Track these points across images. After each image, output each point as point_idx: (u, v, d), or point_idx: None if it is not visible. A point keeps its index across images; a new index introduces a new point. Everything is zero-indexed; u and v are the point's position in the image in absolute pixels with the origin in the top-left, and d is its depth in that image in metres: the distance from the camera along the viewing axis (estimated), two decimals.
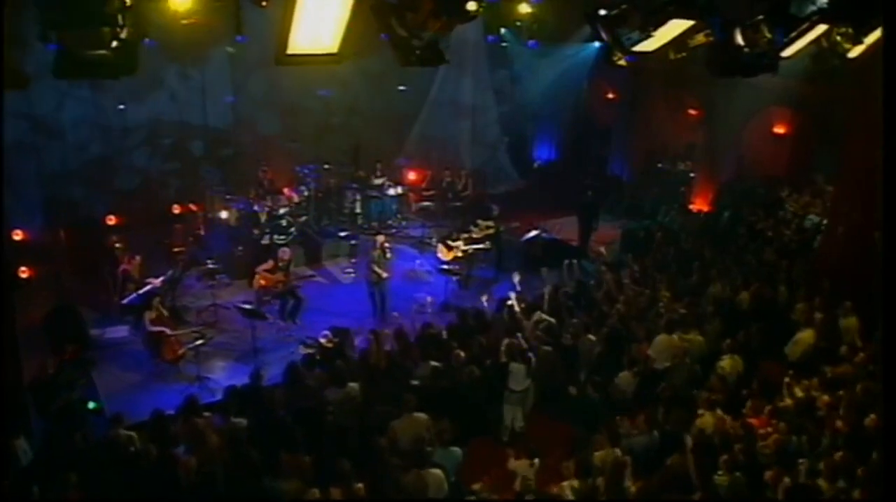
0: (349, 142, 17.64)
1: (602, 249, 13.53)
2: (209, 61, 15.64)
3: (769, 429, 8.04)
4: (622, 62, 7.62)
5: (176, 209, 15.84)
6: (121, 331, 11.63)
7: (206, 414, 8.56)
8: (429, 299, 12.91)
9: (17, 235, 14.16)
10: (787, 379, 9.13)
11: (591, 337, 10.19)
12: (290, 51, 5.26)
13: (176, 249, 14.20)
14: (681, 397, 9.16)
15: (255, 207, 14.37)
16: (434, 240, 15.28)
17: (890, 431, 5.22)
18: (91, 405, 9.65)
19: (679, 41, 7.94)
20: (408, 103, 17.98)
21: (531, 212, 16.76)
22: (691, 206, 17.41)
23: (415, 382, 9.21)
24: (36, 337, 11.50)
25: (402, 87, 17.48)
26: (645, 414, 8.64)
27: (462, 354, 9.41)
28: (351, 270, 14.24)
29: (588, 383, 9.14)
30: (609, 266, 12.67)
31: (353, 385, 8.79)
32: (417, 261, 14.43)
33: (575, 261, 12.50)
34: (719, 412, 8.27)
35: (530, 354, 9.42)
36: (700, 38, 7.90)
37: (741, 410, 8.54)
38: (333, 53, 5.55)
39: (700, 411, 8.44)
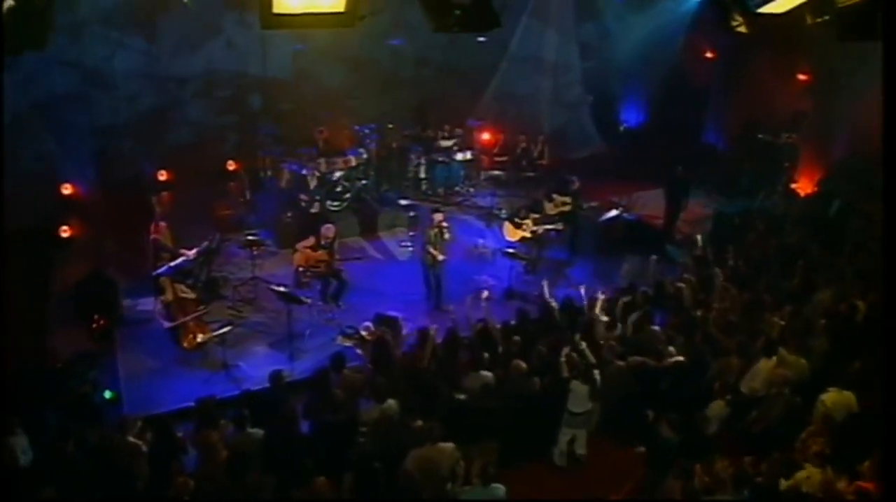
0: (416, 98, 16.27)
1: (697, 237, 11.73)
2: None
3: None
4: (743, 28, 5.99)
5: (231, 166, 14.93)
6: (153, 304, 10.76)
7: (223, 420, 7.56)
8: (490, 284, 11.61)
9: (67, 189, 13.58)
10: None
11: (672, 349, 8.67)
12: (277, 9, 3.90)
13: (224, 212, 13.38)
14: (775, 436, 7.65)
15: (304, 171, 13.18)
16: (503, 211, 13.89)
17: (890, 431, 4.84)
18: (107, 394, 8.86)
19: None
20: (485, 56, 16.32)
21: (613, 182, 15.18)
22: (795, 186, 15.36)
23: (461, 396, 7.98)
24: (68, 304, 10.93)
25: (480, 38, 15.84)
26: (731, 459, 7.14)
27: (522, 365, 8.08)
28: (409, 244, 13.01)
29: (663, 421, 7.62)
30: (698, 260, 10.95)
31: (392, 402, 7.59)
32: (481, 241, 13.02)
33: (656, 257, 10.81)
34: (827, 471, 6.68)
35: (596, 372, 8.02)
36: None
37: (855, 466, 6.86)
38: (338, 13, 4.16)
39: (800, 461, 6.91)
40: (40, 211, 12.70)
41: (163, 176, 14.49)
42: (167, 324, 9.79)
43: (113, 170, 13.94)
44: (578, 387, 7.97)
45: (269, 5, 3.99)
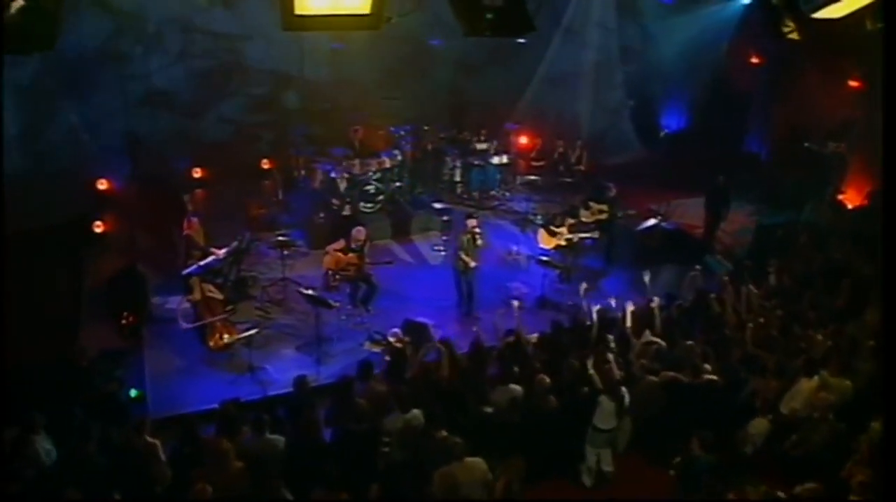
0: (454, 100, 16.07)
1: (737, 250, 11.33)
2: None
3: None
4: (794, 35, 5.66)
5: (265, 164, 14.90)
6: (184, 302, 10.66)
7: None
8: (523, 292, 11.41)
9: (102, 184, 13.65)
10: None
11: (707, 366, 8.33)
12: (299, 10, 3.72)
13: (257, 211, 13.33)
14: (817, 460, 7.29)
15: (333, 173, 12.99)
16: (539, 217, 13.63)
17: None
18: (132, 393, 8.79)
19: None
20: (524, 58, 16.00)
21: (652, 189, 14.80)
22: (842, 198, 14.81)
23: (488, 410, 7.75)
24: (99, 300, 10.94)
25: (520, 40, 15.57)
26: (767, 483, 6.80)
27: (547, 380, 7.81)
28: (441, 248, 12.79)
29: (694, 438, 7.29)
30: (738, 274, 10.55)
31: (417, 412, 7.40)
32: (514, 248, 12.74)
33: (696, 272, 10.42)
34: None
35: (624, 389, 7.72)
36: None
37: None
38: (363, 14, 3.97)
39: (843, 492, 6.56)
40: (75, 206, 12.77)
41: (197, 173, 14.54)
42: (185, 326, 9.68)
43: (147, 167, 13.98)
44: (606, 403, 7.68)
45: (291, 6, 3.82)
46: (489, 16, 4.24)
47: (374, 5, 4.00)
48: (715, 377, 8.10)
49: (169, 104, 14.45)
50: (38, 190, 13.05)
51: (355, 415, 7.43)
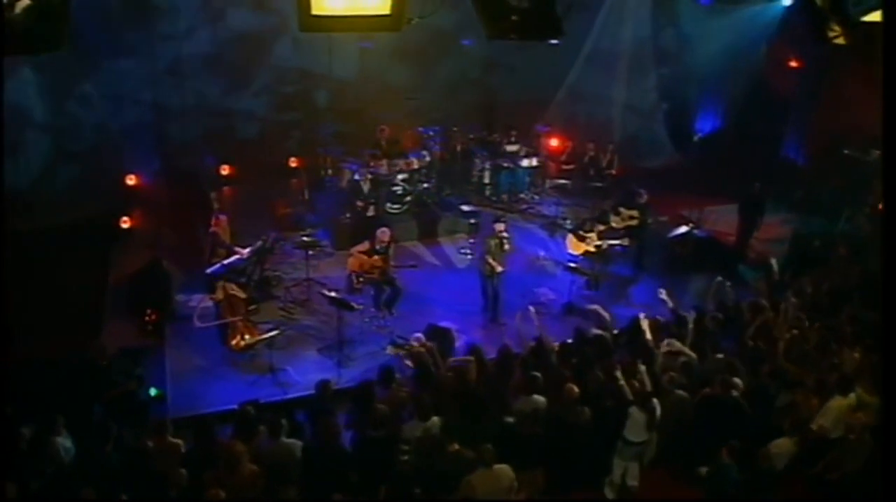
0: (484, 100, 15.87)
1: (771, 260, 10.93)
2: None
3: None
4: (840, 40, 5.37)
5: (293, 162, 14.86)
6: (205, 301, 10.60)
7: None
8: (549, 298, 11.25)
9: (131, 180, 13.71)
10: None
11: (738, 380, 8.04)
12: (316, 10, 3.57)
13: (284, 209, 13.27)
14: (852, 482, 7.00)
15: (357, 176, 12.84)
16: (568, 222, 13.41)
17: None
18: (152, 392, 8.73)
19: None
20: (556, 59, 15.56)
21: (684, 195, 14.46)
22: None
23: (510, 419, 7.56)
24: (122, 296, 10.94)
25: (553, 41, 15.30)
26: None
27: (575, 390, 7.59)
28: (468, 251, 12.62)
29: (724, 449, 7.04)
30: (772, 285, 10.22)
31: (437, 419, 7.24)
32: (542, 253, 12.53)
33: (728, 282, 10.10)
34: None
35: (655, 401, 7.48)
36: None
37: None
38: (383, 15, 3.81)
39: None
40: (102, 201, 12.82)
41: (225, 170, 14.54)
42: (199, 324, 9.60)
43: (176, 163, 13.99)
44: (637, 415, 7.46)
45: (308, 6, 3.67)
46: (514, 18, 4.04)
47: (394, 6, 3.84)
48: (743, 391, 7.81)
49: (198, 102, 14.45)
50: (66, 184, 13.19)
51: (375, 421, 7.27)
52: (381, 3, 3.87)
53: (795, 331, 8.93)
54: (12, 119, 12.27)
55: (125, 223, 12.52)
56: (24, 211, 12.34)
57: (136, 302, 10.55)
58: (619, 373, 7.80)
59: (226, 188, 14.22)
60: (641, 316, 8.83)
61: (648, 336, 8.49)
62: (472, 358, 8.21)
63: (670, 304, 9.32)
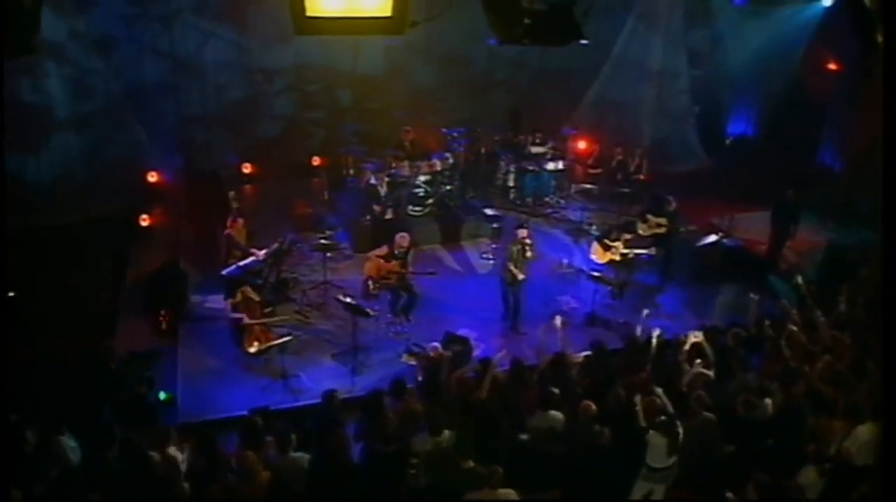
0: (509, 101, 15.56)
1: (800, 275, 10.49)
2: None
3: None
4: None
5: (315, 161, 14.71)
6: (220, 302, 10.44)
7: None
8: (572, 306, 10.93)
9: (153, 177, 13.65)
10: None
11: (768, 401, 7.66)
12: (311, 12, 3.33)
13: (304, 210, 13.10)
14: None
15: (373, 180, 12.56)
16: (594, 227, 13.05)
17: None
18: (162, 395, 8.60)
19: None
20: (585, 60, 15.24)
21: (715, 201, 14.03)
22: None
23: (524, 436, 7.27)
24: (139, 296, 10.85)
25: (582, 41, 14.95)
26: None
27: (593, 408, 7.28)
28: (490, 256, 12.33)
29: (752, 484, 6.68)
30: (804, 300, 9.76)
31: (448, 434, 6.98)
32: (566, 260, 12.19)
33: (757, 297, 9.70)
34: None
35: (678, 423, 7.13)
36: None
37: None
38: (383, 17, 3.55)
39: None
40: (123, 198, 12.75)
41: (247, 169, 14.44)
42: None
43: (197, 161, 13.91)
44: (656, 440, 7.10)
45: (302, 8, 3.43)
46: (527, 21, 3.77)
47: (397, 7, 3.58)
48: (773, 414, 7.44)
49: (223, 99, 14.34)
50: (88, 180, 13.15)
51: (385, 433, 7.04)
52: (382, 5, 3.63)
53: (828, 351, 8.51)
54: (35, 115, 12.29)
55: (144, 221, 12.43)
56: (46, 207, 12.36)
57: (152, 301, 10.46)
58: (637, 398, 7.44)
59: (247, 186, 14.12)
60: (657, 330, 8.48)
61: (685, 351, 8.13)
62: (480, 368, 7.90)
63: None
